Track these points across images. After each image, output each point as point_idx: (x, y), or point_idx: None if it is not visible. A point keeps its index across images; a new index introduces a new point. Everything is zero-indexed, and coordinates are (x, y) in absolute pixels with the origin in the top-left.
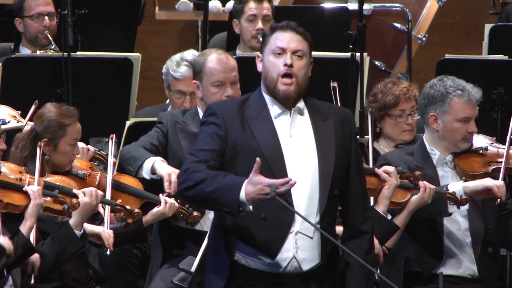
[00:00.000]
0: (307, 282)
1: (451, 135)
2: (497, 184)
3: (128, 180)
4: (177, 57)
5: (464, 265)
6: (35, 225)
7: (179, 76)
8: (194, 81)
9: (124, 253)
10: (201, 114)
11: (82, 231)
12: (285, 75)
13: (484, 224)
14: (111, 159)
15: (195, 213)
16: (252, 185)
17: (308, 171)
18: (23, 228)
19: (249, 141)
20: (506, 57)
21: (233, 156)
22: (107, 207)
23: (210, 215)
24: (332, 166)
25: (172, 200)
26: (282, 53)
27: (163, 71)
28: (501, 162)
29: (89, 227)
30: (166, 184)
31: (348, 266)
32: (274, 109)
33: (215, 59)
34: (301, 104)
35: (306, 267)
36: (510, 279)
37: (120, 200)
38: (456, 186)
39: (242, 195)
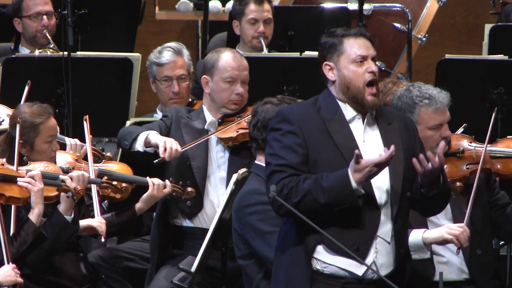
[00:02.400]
0: None
1: (425, 143)
2: (456, 233)
3: (115, 167)
4: (158, 48)
5: (456, 269)
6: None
7: (164, 61)
8: (204, 76)
9: (106, 262)
10: (206, 112)
11: (72, 215)
12: (370, 83)
13: (470, 226)
14: (88, 141)
15: (189, 189)
16: (359, 172)
17: (384, 176)
18: (32, 216)
19: (327, 143)
20: (506, 57)
21: (314, 160)
22: (95, 197)
23: (208, 210)
24: (402, 168)
25: (159, 181)
26: (363, 60)
27: (147, 64)
28: (479, 163)
29: (80, 222)
30: (161, 150)
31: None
32: (347, 113)
33: (230, 56)
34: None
35: (383, 272)
36: (510, 278)
37: (106, 178)
38: (416, 236)
39: (354, 185)
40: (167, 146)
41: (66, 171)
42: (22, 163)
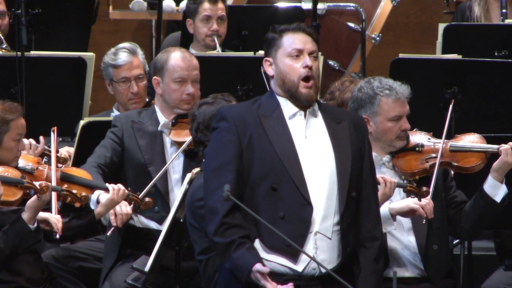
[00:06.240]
0: (326, 285)
1: (384, 135)
2: (422, 204)
3: (76, 172)
4: (111, 50)
5: (411, 265)
6: None
7: (120, 62)
8: (155, 77)
9: (59, 262)
10: (158, 112)
11: (35, 224)
12: (306, 78)
13: (427, 223)
14: (53, 151)
15: (147, 199)
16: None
17: (325, 172)
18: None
19: (262, 140)
20: (460, 57)
21: (250, 157)
22: (53, 195)
23: (163, 213)
24: (349, 167)
25: (119, 186)
26: (299, 55)
27: (102, 66)
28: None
29: (39, 214)
30: (111, 218)
31: (359, 272)
32: (288, 110)
33: (179, 56)
34: (315, 106)
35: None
36: (464, 278)
37: (66, 186)
38: (382, 208)
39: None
40: (117, 211)
41: (29, 172)
42: None
